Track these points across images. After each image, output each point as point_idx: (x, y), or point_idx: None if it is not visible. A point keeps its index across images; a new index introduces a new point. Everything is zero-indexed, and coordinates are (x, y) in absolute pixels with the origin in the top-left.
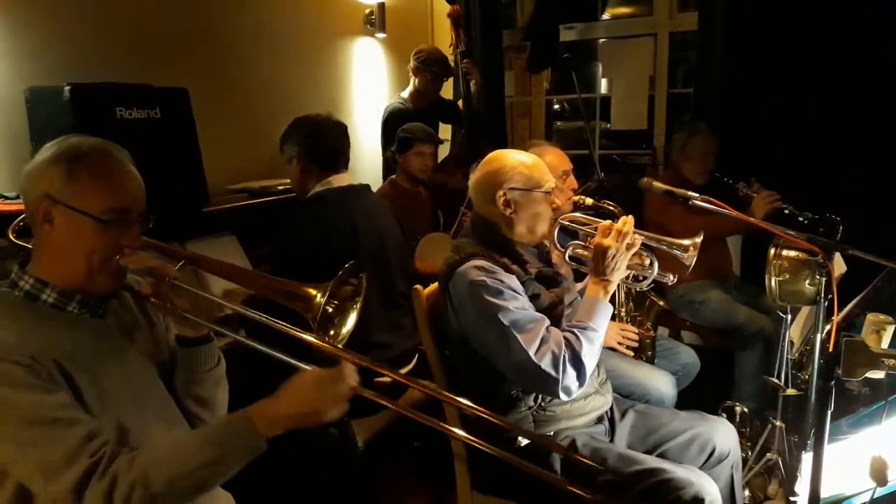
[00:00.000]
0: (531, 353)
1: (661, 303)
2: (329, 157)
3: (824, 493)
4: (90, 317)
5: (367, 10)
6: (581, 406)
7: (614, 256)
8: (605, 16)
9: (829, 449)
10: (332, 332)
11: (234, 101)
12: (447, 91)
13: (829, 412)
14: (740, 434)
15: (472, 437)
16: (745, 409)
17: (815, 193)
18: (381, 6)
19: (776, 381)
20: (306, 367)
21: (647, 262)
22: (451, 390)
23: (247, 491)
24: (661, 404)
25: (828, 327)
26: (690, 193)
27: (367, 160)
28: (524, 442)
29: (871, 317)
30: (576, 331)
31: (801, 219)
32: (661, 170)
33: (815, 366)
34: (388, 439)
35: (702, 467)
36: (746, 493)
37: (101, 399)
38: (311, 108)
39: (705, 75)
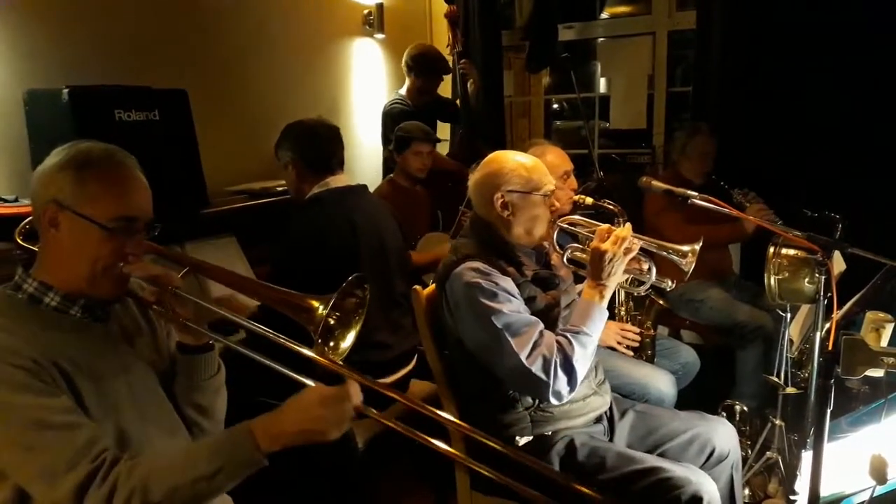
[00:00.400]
0: (523, 357)
1: (661, 302)
2: (323, 159)
3: (824, 491)
4: (93, 321)
5: (366, 11)
6: (579, 407)
7: (611, 261)
8: (604, 15)
9: (828, 447)
10: (331, 344)
11: (233, 102)
12: (446, 91)
13: (829, 410)
14: (740, 433)
15: (457, 453)
16: (745, 408)
17: (813, 191)
18: (380, 7)
19: (776, 379)
20: (307, 381)
21: (646, 266)
22: (450, 390)
23: (246, 492)
24: (661, 403)
25: (827, 325)
26: (690, 192)
27: (366, 160)
28: (522, 441)
29: (870, 315)
30: (569, 335)
31: (806, 211)
32: (661, 169)
33: (815, 364)
34: (388, 440)
35: (702, 467)
36: (746, 491)
37: (103, 404)
38: (310, 108)
39: (704, 74)
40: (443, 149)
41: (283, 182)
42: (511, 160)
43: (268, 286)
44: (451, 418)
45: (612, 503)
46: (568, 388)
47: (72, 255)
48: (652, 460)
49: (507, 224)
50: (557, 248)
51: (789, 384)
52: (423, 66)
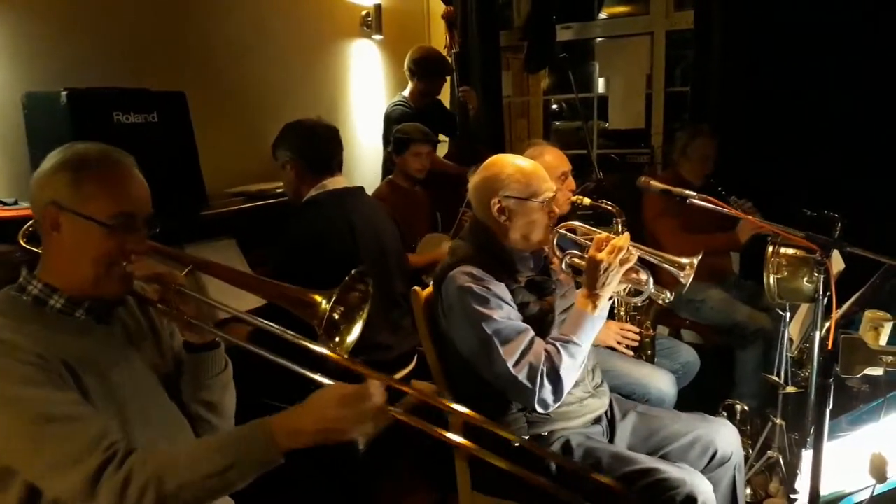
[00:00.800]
0: (510, 364)
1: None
2: (322, 160)
3: (824, 490)
4: (97, 323)
5: (364, 12)
6: (575, 409)
7: (606, 271)
8: (602, 15)
9: (828, 446)
10: (337, 339)
11: (231, 104)
12: (445, 93)
13: (829, 409)
14: (741, 432)
15: (469, 443)
16: (746, 408)
17: (812, 191)
18: (378, 8)
19: (776, 378)
20: (319, 377)
21: (644, 278)
22: (450, 391)
23: (246, 491)
24: (662, 403)
25: (827, 324)
26: (688, 192)
27: (365, 161)
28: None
29: (868, 314)
30: (558, 344)
31: (805, 211)
32: (660, 169)
33: (815, 363)
34: (389, 440)
35: (703, 470)
36: (748, 491)
37: (108, 403)
38: (308, 110)
39: (702, 73)
40: (442, 150)
41: (282, 184)
42: (510, 165)
43: (270, 282)
44: (463, 409)
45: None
46: (553, 398)
47: (75, 255)
48: (647, 461)
49: (503, 229)
50: (558, 252)
51: (789, 383)
52: (426, 69)
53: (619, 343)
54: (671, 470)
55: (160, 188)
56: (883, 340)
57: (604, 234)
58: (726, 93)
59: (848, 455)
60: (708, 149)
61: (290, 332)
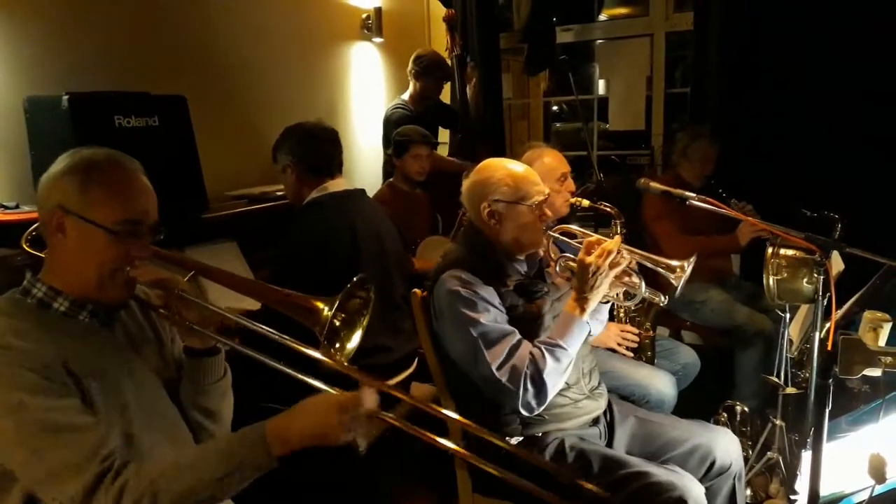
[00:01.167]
0: (494, 367)
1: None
2: (323, 162)
3: (824, 490)
4: (100, 326)
5: (364, 15)
6: (570, 411)
7: (594, 274)
8: (602, 17)
9: (828, 447)
10: (337, 346)
11: (232, 107)
12: (446, 95)
13: (828, 410)
14: (741, 433)
15: (461, 449)
16: (746, 409)
17: (812, 191)
18: (378, 11)
19: (776, 379)
20: (317, 383)
21: (636, 280)
22: (450, 393)
23: (247, 493)
24: (662, 405)
25: (826, 325)
26: (687, 193)
27: (365, 164)
28: (513, 442)
29: (867, 314)
30: (543, 348)
31: (804, 212)
32: (660, 171)
33: (814, 364)
34: (390, 442)
35: (702, 479)
36: (748, 492)
37: (110, 408)
38: (309, 113)
39: (702, 75)
40: (442, 152)
41: (282, 186)
42: (499, 169)
43: (273, 288)
44: (455, 416)
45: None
46: (536, 401)
47: (79, 259)
48: (638, 464)
49: (495, 232)
50: (553, 257)
51: (789, 384)
52: (427, 68)
53: (619, 345)
54: (662, 473)
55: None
56: (882, 341)
57: (594, 237)
58: (726, 94)
59: (847, 456)
60: (708, 150)
61: (288, 337)
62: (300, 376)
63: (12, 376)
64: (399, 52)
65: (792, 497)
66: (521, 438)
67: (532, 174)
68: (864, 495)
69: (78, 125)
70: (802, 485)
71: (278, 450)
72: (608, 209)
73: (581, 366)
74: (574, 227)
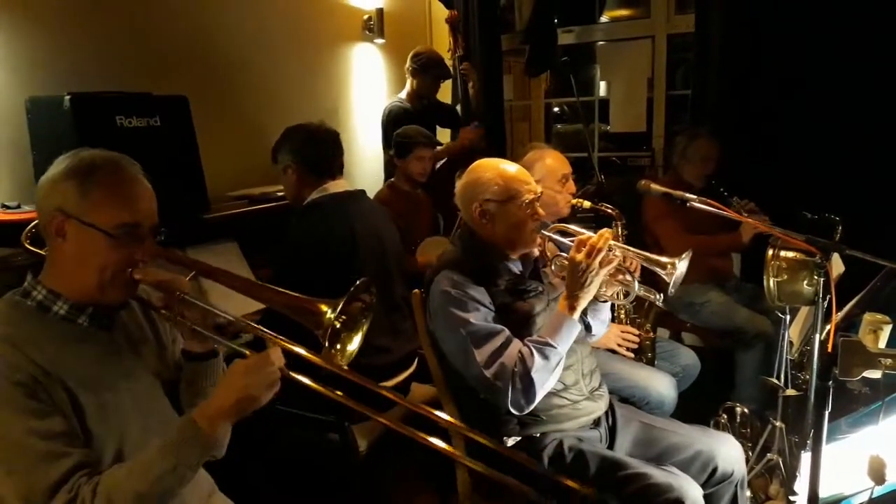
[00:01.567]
0: (483, 366)
1: (661, 304)
2: (324, 163)
3: (823, 492)
4: (98, 330)
5: (366, 16)
6: (568, 412)
7: (584, 272)
8: (603, 18)
9: (827, 448)
10: (338, 347)
11: (233, 108)
12: (446, 95)
13: (827, 412)
14: (741, 435)
15: (452, 450)
16: (746, 410)
17: (813, 193)
18: (380, 12)
19: (776, 381)
20: (318, 387)
21: (630, 278)
22: (450, 393)
23: (248, 493)
24: (662, 406)
25: (827, 327)
26: (688, 195)
27: (366, 165)
28: (510, 442)
29: (867, 316)
30: (532, 346)
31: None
32: (661, 172)
33: (815, 366)
34: (390, 444)
35: (704, 485)
36: (748, 493)
37: (104, 416)
38: (310, 113)
39: (703, 77)
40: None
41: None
42: (490, 169)
43: (275, 289)
44: (445, 416)
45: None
46: (525, 399)
47: (80, 263)
48: (636, 466)
49: (487, 232)
50: (548, 256)
51: (789, 386)
52: (424, 65)
53: (619, 345)
54: (659, 475)
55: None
56: (882, 343)
57: (585, 235)
58: (727, 96)
59: (847, 457)
60: (707, 150)
61: (284, 338)
62: (300, 378)
63: None
64: (400, 54)
65: (791, 498)
66: (518, 439)
67: (523, 173)
68: (864, 497)
69: (80, 125)
70: (802, 486)
71: (212, 429)
72: (609, 210)
73: (580, 367)
74: (570, 226)
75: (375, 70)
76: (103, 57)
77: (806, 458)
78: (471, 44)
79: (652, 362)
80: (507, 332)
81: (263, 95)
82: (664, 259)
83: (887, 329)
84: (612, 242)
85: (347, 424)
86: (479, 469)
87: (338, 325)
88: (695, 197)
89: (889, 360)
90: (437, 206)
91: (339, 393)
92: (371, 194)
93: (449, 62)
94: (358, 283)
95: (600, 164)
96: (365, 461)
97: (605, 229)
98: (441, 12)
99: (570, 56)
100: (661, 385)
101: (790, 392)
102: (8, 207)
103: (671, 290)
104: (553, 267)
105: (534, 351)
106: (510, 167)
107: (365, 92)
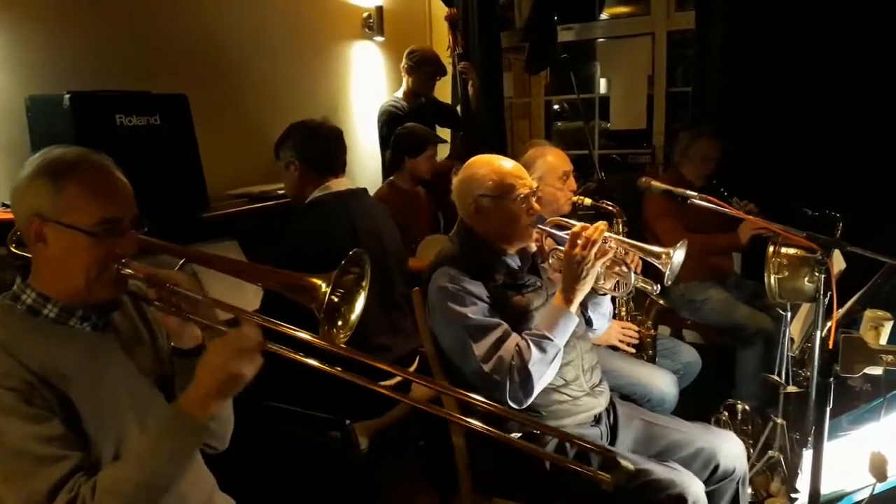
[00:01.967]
0: (480, 359)
1: (662, 302)
2: (327, 161)
3: (825, 489)
4: (91, 330)
5: (366, 14)
6: (569, 408)
7: (579, 264)
8: (603, 16)
9: (829, 445)
10: (339, 324)
11: (233, 106)
12: (446, 95)
13: (829, 409)
14: (742, 432)
15: (478, 424)
16: (747, 407)
17: (813, 190)
18: (380, 10)
19: (777, 378)
20: (323, 365)
21: (625, 269)
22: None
23: (249, 495)
24: (663, 403)
25: (828, 324)
26: (689, 192)
27: (366, 163)
28: (515, 436)
29: (869, 313)
30: (529, 339)
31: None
32: (661, 169)
33: (816, 363)
34: (391, 441)
35: (705, 482)
36: (749, 490)
37: (100, 418)
38: (310, 111)
39: (703, 74)
40: (443, 151)
41: (283, 185)
42: (484, 164)
43: (268, 269)
44: (468, 394)
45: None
46: (523, 393)
47: (64, 265)
48: (638, 462)
49: (482, 227)
50: (546, 251)
51: (790, 383)
52: (418, 62)
53: (620, 341)
54: (661, 471)
55: (162, 189)
56: (883, 339)
57: (578, 227)
58: (727, 93)
59: (848, 454)
60: (710, 150)
61: (280, 322)
62: (294, 355)
63: None
64: (400, 52)
65: (793, 495)
66: (519, 435)
67: (518, 169)
68: (865, 493)
69: (79, 124)
70: (803, 483)
71: (202, 413)
72: (610, 208)
73: (581, 363)
74: (566, 220)
75: (375, 68)
76: (103, 55)
77: (807, 455)
78: (471, 41)
79: (653, 360)
80: (504, 325)
81: (263, 93)
82: (659, 249)
83: (888, 325)
84: (607, 234)
85: (348, 422)
86: (507, 439)
87: (335, 300)
88: (696, 194)
89: (890, 357)
90: (438, 205)
91: (338, 368)
92: (371, 192)
93: (448, 60)
94: (349, 254)
95: (601, 162)
96: (366, 459)
97: (600, 221)
98: (441, 10)
99: (570, 53)
100: (662, 382)
101: (791, 389)
102: (8, 206)
103: (667, 279)
104: (551, 261)
105: (531, 344)
106: (506, 163)
107: (365, 90)
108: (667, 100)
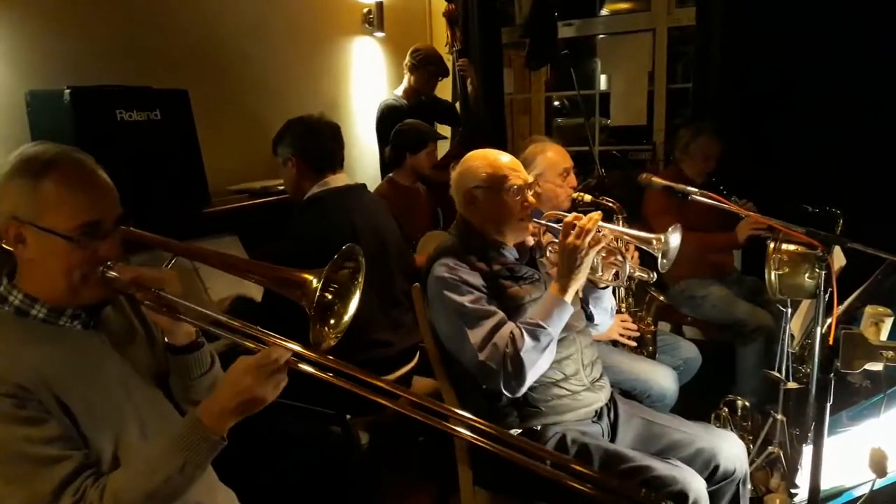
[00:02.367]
0: (476, 347)
1: (662, 298)
2: (325, 157)
3: (825, 485)
4: (83, 329)
5: (366, 10)
6: (568, 403)
7: (573, 253)
8: (604, 11)
9: (829, 441)
10: (332, 322)
11: (233, 101)
12: (446, 93)
13: (829, 405)
14: (742, 428)
15: (466, 433)
16: (747, 403)
17: (814, 186)
18: (380, 5)
19: (777, 374)
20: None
21: (620, 258)
22: (452, 386)
23: (249, 489)
24: (663, 399)
25: (828, 320)
26: (689, 189)
27: (366, 159)
28: (515, 433)
29: (869, 309)
30: (523, 328)
31: (806, 207)
32: (662, 166)
33: (816, 359)
34: (392, 437)
35: (705, 482)
36: (749, 486)
37: (95, 419)
38: (310, 107)
39: (704, 70)
40: (443, 148)
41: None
42: (480, 158)
43: (258, 264)
44: (458, 410)
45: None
46: (517, 381)
47: (45, 268)
48: (639, 459)
49: (477, 219)
50: (542, 243)
51: (790, 379)
52: (422, 61)
53: (620, 335)
54: (663, 467)
55: (163, 185)
56: (883, 336)
57: (571, 216)
58: (728, 89)
59: (848, 450)
60: (710, 148)
61: (258, 328)
62: (309, 370)
63: None
64: (400, 47)
65: (793, 491)
66: (519, 431)
67: (514, 162)
68: (865, 489)
69: (80, 119)
70: (803, 479)
71: (219, 427)
72: (610, 204)
73: (581, 357)
74: (562, 213)
75: (375, 64)
76: (104, 51)
77: (807, 451)
78: (471, 37)
79: (653, 355)
80: (500, 314)
81: (263, 89)
82: (651, 235)
83: (889, 322)
84: (601, 224)
85: (349, 418)
86: (486, 445)
87: (328, 297)
88: (696, 190)
89: (891, 353)
90: (438, 201)
91: (329, 374)
92: (370, 188)
93: (447, 57)
94: (342, 249)
95: (601, 158)
96: (366, 454)
97: (595, 212)
98: (441, 6)
99: (571, 49)
100: (662, 378)
101: (791, 385)
102: None
103: (662, 266)
104: (548, 254)
105: (524, 332)
106: (502, 156)
107: (364, 86)
108: (667, 96)
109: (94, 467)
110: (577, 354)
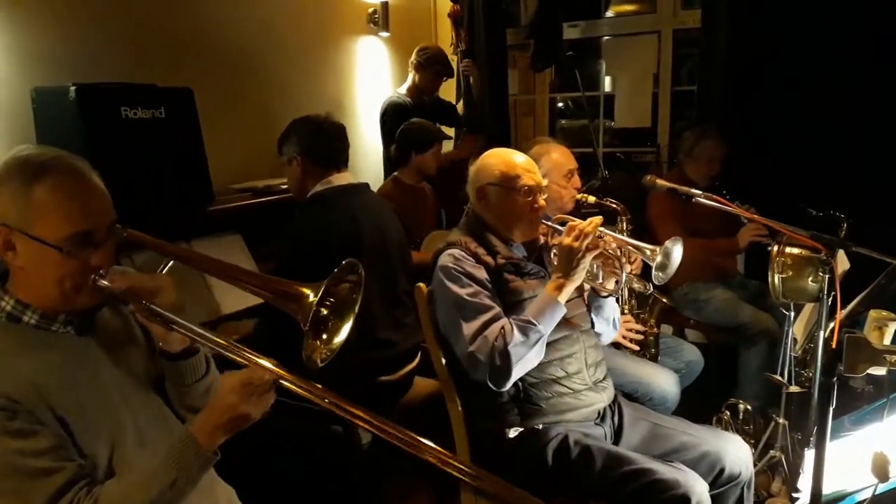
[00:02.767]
0: (468, 338)
1: (665, 300)
2: (330, 155)
3: (827, 489)
4: (77, 334)
5: (371, 9)
6: (570, 402)
7: (570, 254)
8: (609, 13)
9: (831, 446)
10: (324, 337)
11: (238, 100)
12: (447, 93)
13: (831, 409)
14: (744, 432)
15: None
16: (749, 407)
17: (818, 190)
18: (385, 5)
19: (780, 378)
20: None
21: (617, 265)
22: (454, 386)
23: (250, 489)
24: (665, 402)
25: (831, 324)
26: (693, 191)
27: (370, 158)
28: (513, 433)
29: (873, 313)
30: (514, 323)
31: (810, 210)
32: (666, 168)
33: (819, 363)
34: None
35: (710, 485)
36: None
37: (90, 425)
38: (315, 106)
39: (709, 72)
40: (446, 147)
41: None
42: (497, 156)
43: (254, 274)
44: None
45: None
46: (502, 375)
47: (36, 276)
48: (642, 461)
49: (488, 214)
50: (550, 243)
51: (793, 383)
52: (428, 60)
53: (623, 337)
54: (666, 471)
55: (167, 183)
56: (887, 340)
57: (573, 221)
58: (732, 92)
59: (851, 454)
60: (714, 151)
61: (241, 346)
62: (294, 388)
63: None
64: (405, 47)
65: (794, 495)
66: (521, 430)
67: (529, 163)
68: (867, 494)
69: (85, 116)
70: (805, 483)
71: (210, 444)
72: (614, 206)
73: (584, 356)
74: (571, 217)
75: (380, 63)
76: (109, 48)
77: (809, 455)
78: (475, 38)
79: (655, 358)
80: (496, 310)
81: (268, 88)
82: (648, 246)
83: (892, 326)
84: (601, 229)
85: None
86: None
87: (324, 312)
88: (700, 192)
89: (894, 357)
90: (442, 201)
91: (327, 401)
92: (374, 188)
93: (452, 57)
94: (343, 263)
95: (605, 160)
96: (368, 453)
97: (596, 216)
98: (446, 6)
99: (576, 51)
100: (665, 381)
101: (794, 389)
102: None
103: (657, 278)
104: (553, 255)
105: (514, 327)
106: (517, 156)
107: (369, 85)
108: (672, 98)
109: (87, 478)
110: (581, 353)
